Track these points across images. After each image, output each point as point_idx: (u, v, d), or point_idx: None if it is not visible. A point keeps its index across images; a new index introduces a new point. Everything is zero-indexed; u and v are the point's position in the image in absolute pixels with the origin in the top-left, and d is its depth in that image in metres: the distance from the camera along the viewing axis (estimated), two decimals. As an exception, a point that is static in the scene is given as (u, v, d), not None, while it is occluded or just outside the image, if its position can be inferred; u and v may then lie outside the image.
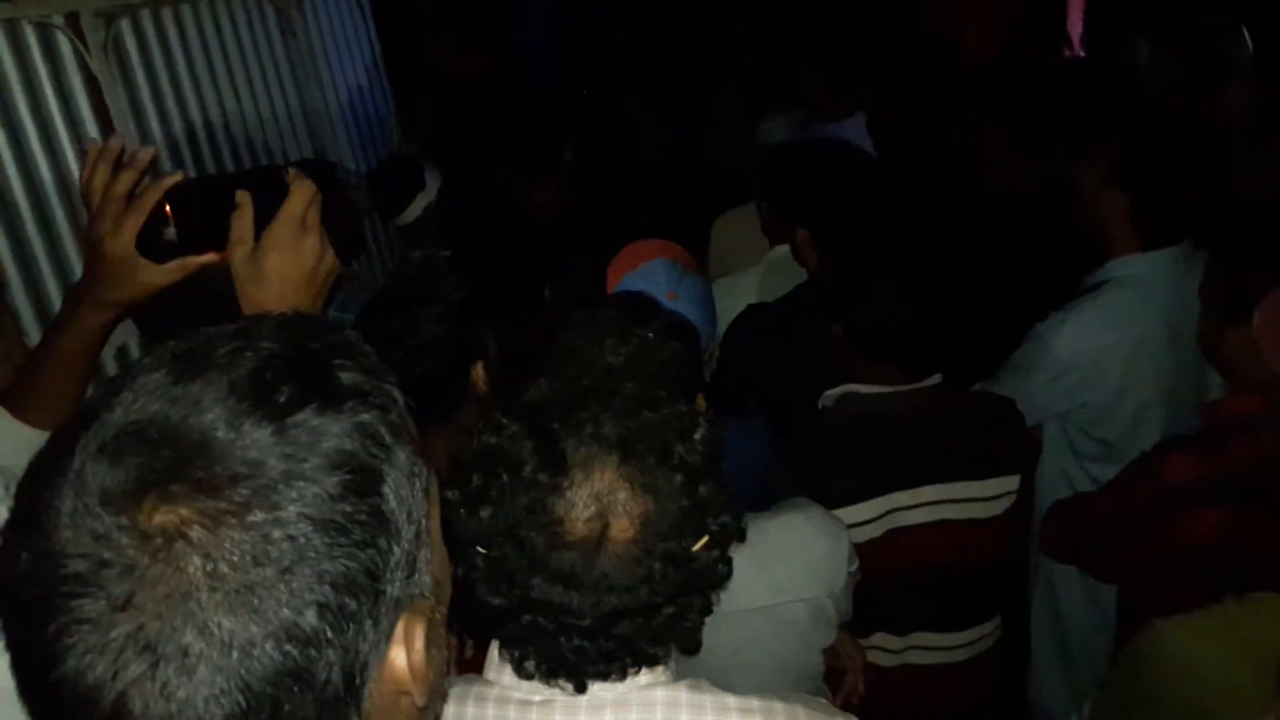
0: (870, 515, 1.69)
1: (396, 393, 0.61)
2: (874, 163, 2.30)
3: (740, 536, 0.97)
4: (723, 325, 2.13)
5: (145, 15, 2.72)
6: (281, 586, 0.52)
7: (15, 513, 0.54)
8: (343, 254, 2.70)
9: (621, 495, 0.89)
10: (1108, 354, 1.97)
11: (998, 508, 1.75)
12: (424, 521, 0.61)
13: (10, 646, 0.53)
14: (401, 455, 0.59)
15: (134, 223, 0.95)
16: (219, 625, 0.50)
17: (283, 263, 0.94)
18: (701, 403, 1.39)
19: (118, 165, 0.99)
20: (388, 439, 0.58)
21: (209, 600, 0.50)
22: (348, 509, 0.54)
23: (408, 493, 0.59)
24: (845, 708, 1.59)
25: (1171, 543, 1.57)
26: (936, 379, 1.75)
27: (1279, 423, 1.50)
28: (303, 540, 0.52)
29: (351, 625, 0.54)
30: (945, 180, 2.86)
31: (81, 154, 1.01)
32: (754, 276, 2.36)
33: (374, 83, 4.01)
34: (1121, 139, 2.01)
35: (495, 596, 0.92)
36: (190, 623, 0.50)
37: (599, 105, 4.06)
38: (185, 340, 0.59)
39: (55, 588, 0.50)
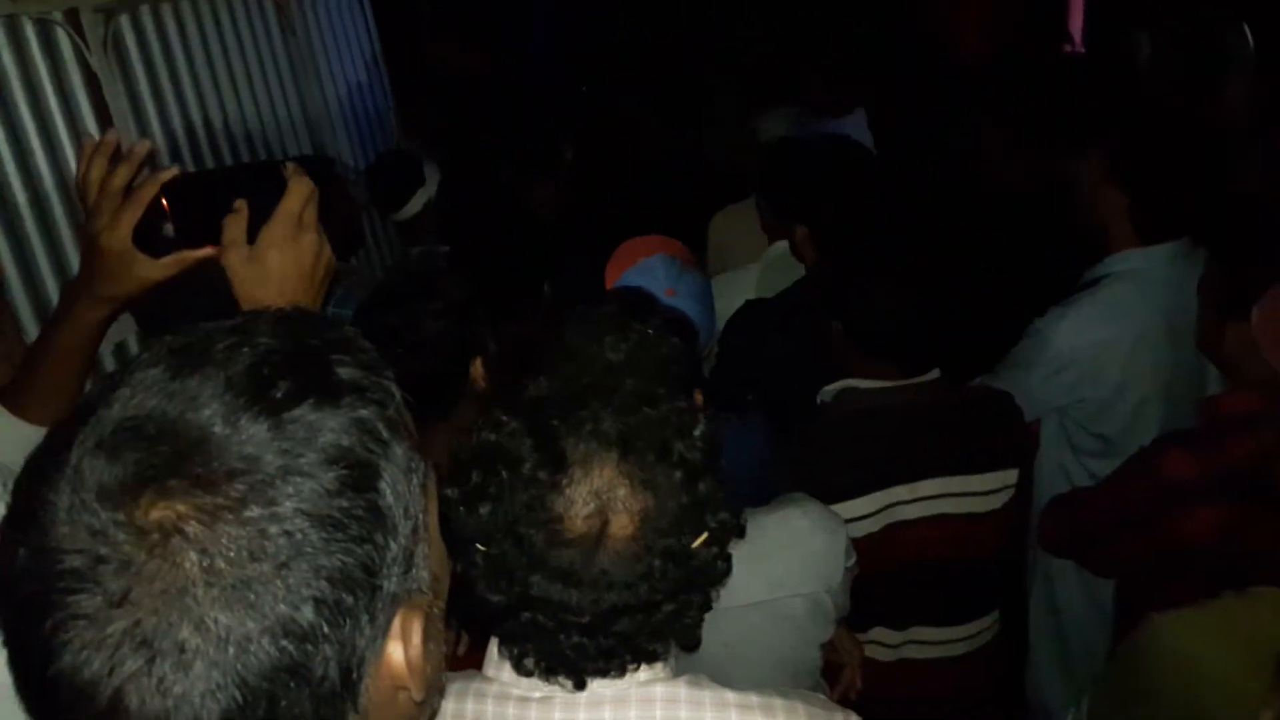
0: (869, 510, 1.69)
1: (394, 388, 0.61)
2: (873, 159, 2.30)
3: (740, 533, 0.97)
4: (722, 321, 2.13)
5: (145, 11, 2.72)
6: (278, 582, 0.52)
7: (13, 508, 0.54)
8: (342, 250, 2.70)
9: (621, 492, 0.89)
10: (1106, 349, 1.97)
11: (996, 502, 1.75)
12: (421, 517, 0.61)
13: (7, 642, 0.53)
14: (399, 451, 0.59)
15: (130, 217, 0.95)
16: (215, 621, 0.50)
17: (282, 260, 0.93)
18: (699, 398, 1.38)
19: (115, 160, 0.98)
20: (385, 434, 0.58)
21: (205, 596, 0.50)
22: (344, 504, 0.54)
23: (405, 488, 0.59)
24: (843, 702, 1.59)
25: (1169, 539, 1.57)
26: (934, 374, 1.75)
27: (1278, 420, 1.50)
28: (299, 536, 0.52)
29: (348, 620, 0.54)
30: (945, 178, 2.86)
31: (80, 150, 1.01)
32: (753, 273, 2.36)
33: (373, 79, 4.01)
34: (1121, 135, 2.01)
35: (494, 594, 0.92)
36: (187, 618, 0.50)
37: (599, 104, 4.06)
38: (183, 336, 0.59)
39: (52, 583, 0.51)
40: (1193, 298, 1.78)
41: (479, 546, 0.91)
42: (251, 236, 0.94)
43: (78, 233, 2.33)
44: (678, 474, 0.91)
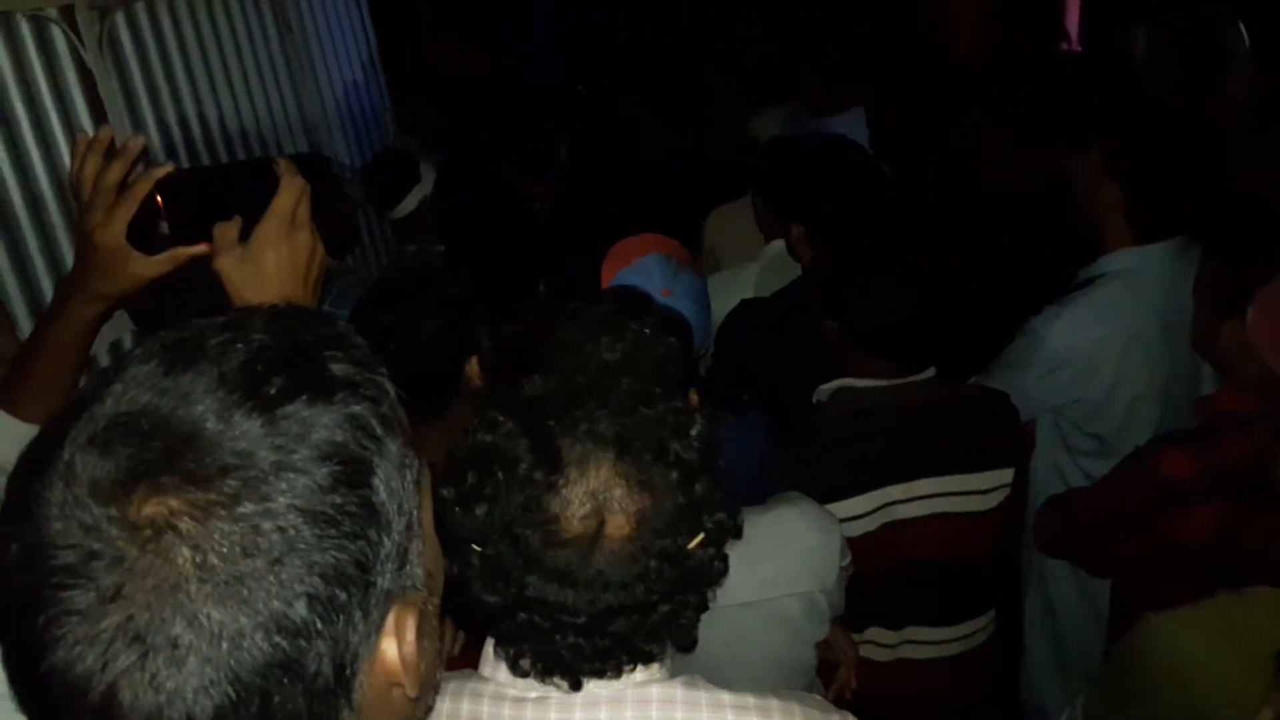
0: (865, 509, 1.69)
1: (388, 384, 0.61)
2: (869, 158, 2.29)
3: (736, 534, 0.97)
4: (718, 320, 2.13)
5: (140, 9, 2.71)
6: (271, 578, 0.52)
7: (6, 504, 0.54)
8: (337, 248, 2.71)
9: (617, 493, 0.89)
10: (1101, 348, 1.97)
11: (992, 501, 1.75)
12: (415, 513, 0.61)
13: (1, 637, 0.53)
14: (392, 447, 0.59)
15: (125, 213, 0.94)
16: (208, 616, 0.50)
17: (276, 259, 0.93)
18: (694, 397, 1.38)
19: (109, 156, 0.98)
20: (379, 431, 0.58)
21: (198, 591, 0.50)
22: (338, 500, 0.54)
23: (398, 484, 0.59)
24: (838, 702, 1.59)
25: (1166, 538, 1.57)
26: (930, 373, 1.75)
27: (1273, 418, 1.50)
28: (292, 532, 0.52)
29: (341, 616, 0.54)
30: (943, 177, 2.86)
31: (75, 147, 1.00)
32: (751, 272, 2.36)
33: (369, 77, 4.01)
34: (1117, 131, 2.01)
35: (490, 594, 0.92)
36: (179, 614, 0.50)
37: (598, 104, 4.06)
38: (176, 332, 0.59)
39: (45, 579, 0.51)
40: (1188, 297, 1.78)
41: (475, 547, 0.91)
42: (245, 235, 0.94)
43: (72, 229, 2.33)
44: (674, 474, 0.91)
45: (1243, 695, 1.07)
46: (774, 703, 0.95)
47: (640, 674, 0.94)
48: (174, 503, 0.51)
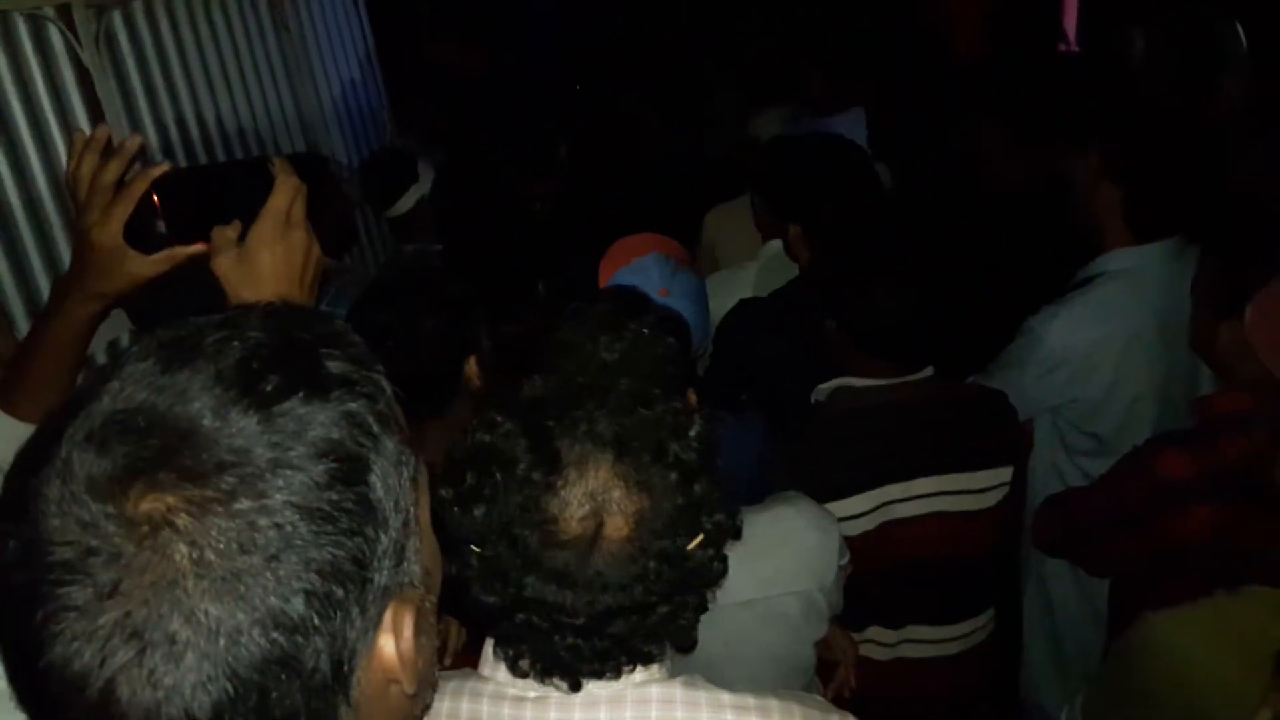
0: (864, 508, 1.69)
1: (384, 382, 0.61)
2: (867, 158, 2.29)
3: (736, 534, 0.97)
4: (717, 319, 2.12)
5: (137, 7, 2.70)
6: (268, 574, 0.52)
7: (3, 501, 0.54)
8: (335, 247, 2.71)
9: (616, 494, 0.89)
10: (1099, 348, 1.97)
11: (991, 499, 1.75)
12: (412, 510, 0.61)
13: None
14: (389, 444, 0.59)
15: (121, 213, 0.94)
16: (206, 612, 0.51)
17: (272, 259, 0.93)
18: (692, 397, 1.38)
19: (106, 155, 0.98)
20: (375, 428, 0.58)
21: (196, 587, 0.51)
22: (334, 497, 0.54)
23: (395, 481, 0.59)
24: (837, 700, 1.59)
25: (1164, 538, 1.58)
26: (929, 372, 1.75)
27: (1272, 419, 1.51)
28: (289, 528, 0.52)
29: (339, 613, 0.54)
30: (942, 176, 2.86)
31: (71, 146, 1.00)
32: (750, 272, 2.36)
33: (367, 76, 4.00)
34: (1115, 133, 2.01)
35: (489, 595, 0.92)
36: (177, 610, 0.50)
37: (598, 102, 4.06)
38: (173, 329, 0.59)
39: (42, 575, 0.51)
40: (1186, 297, 1.78)
41: (474, 548, 0.91)
42: (241, 235, 0.93)
43: (69, 228, 2.32)
44: (673, 475, 0.90)
45: (1240, 694, 1.08)
46: (774, 703, 0.95)
47: (640, 674, 0.94)
48: (171, 499, 0.51)
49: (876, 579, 1.69)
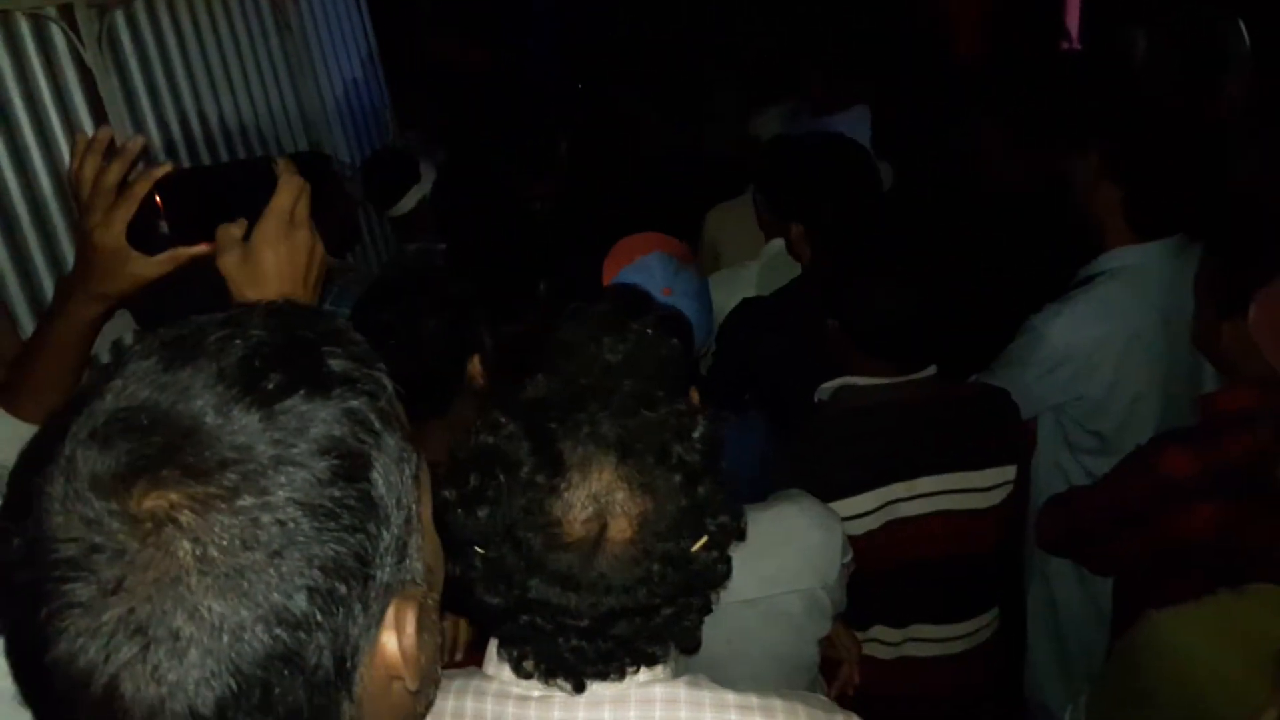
0: (869, 507, 1.69)
1: (386, 380, 0.62)
2: (869, 157, 2.29)
3: (740, 536, 0.97)
4: (719, 318, 2.12)
5: (139, 7, 2.71)
6: (271, 570, 0.52)
7: (8, 499, 0.55)
8: (337, 246, 2.71)
9: (619, 496, 0.89)
10: (1101, 346, 1.97)
11: (995, 498, 1.75)
12: (414, 508, 0.61)
13: (4, 631, 0.54)
14: (391, 441, 0.59)
15: (124, 214, 0.94)
16: (209, 609, 0.51)
17: (276, 258, 0.93)
18: (694, 396, 1.38)
19: (109, 156, 0.98)
20: (377, 425, 0.58)
21: (199, 584, 0.51)
22: (336, 494, 0.55)
23: (397, 478, 0.59)
24: (841, 698, 1.59)
25: (1167, 537, 1.57)
26: (931, 371, 1.75)
27: (1275, 417, 1.50)
28: (292, 525, 0.53)
29: (341, 609, 0.54)
30: (944, 176, 2.86)
31: (74, 146, 1.00)
32: (752, 271, 2.36)
33: (369, 74, 4.01)
34: (1116, 133, 2.01)
35: (493, 596, 0.92)
36: (180, 606, 0.50)
37: (598, 100, 4.06)
38: (175, 328, 0.59)
39: (47, 572, 0.51)
40: (1188, 294, 1.78)
41: (477, 549, 0.91)
42: (245, 234, 0.94)
43: (73, 229, 2.33)
44: (677, 477, 0.90)
45: (1244, 693, 1.07)
46: (778, 703, 0.95)
47: (644, 674, 0.94)
48: (174, 496, 0.51)
49: (881, 578, 1.69)
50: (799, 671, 1.47)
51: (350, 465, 0.56)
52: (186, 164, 2.78)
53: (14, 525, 0.53)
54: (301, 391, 0.56)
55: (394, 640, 0.59)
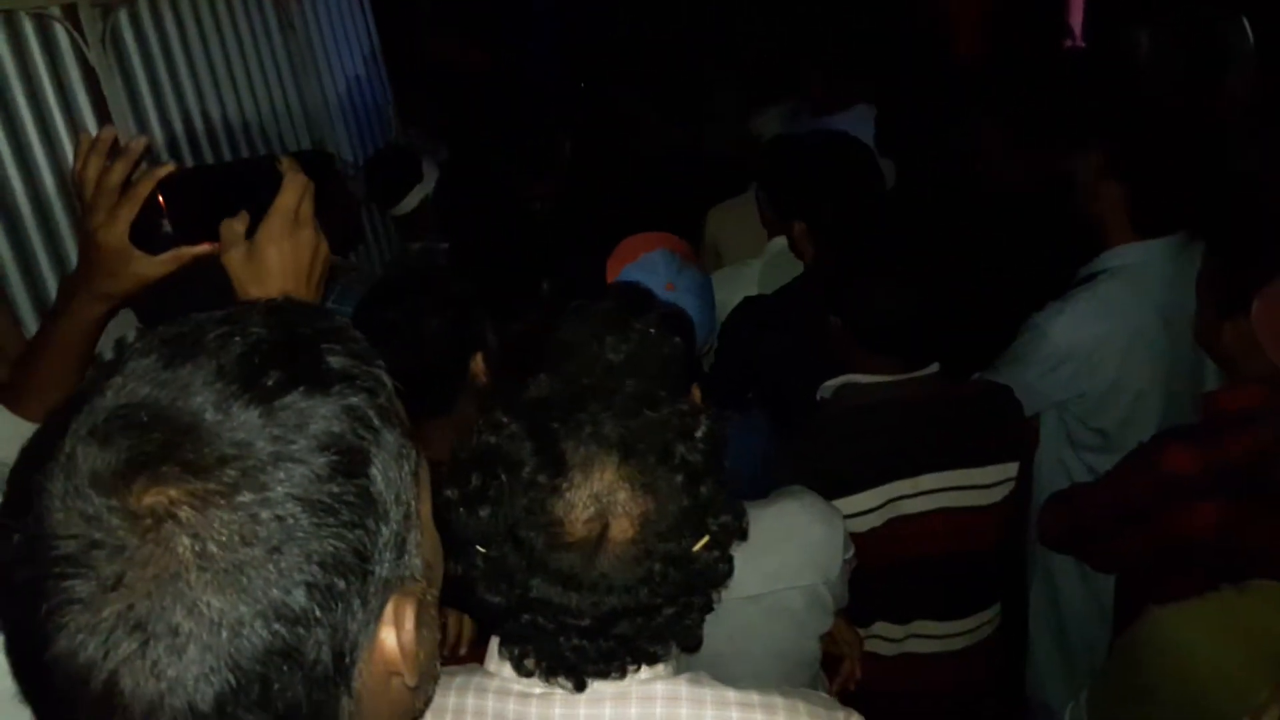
0: (872, 505, 1.70)
1: (385, 377, 0.62)
2: (871, 155, 2.29)
3: (742, 535, 0.97)
4: (722, 317, 2.13)
5: (143, 7, 2.71)
6: (270, 566, 0.52)
7: (8, 496, 0.55)
8: (340, 245, 2.72)
9: (621, 496, 0.89)
10: (1104, 344, 1.97)
11: (997, 495, 1.75)
12: (413, 504, 0.62)
13: (4, 627, 0.54)
14: (390, 438, 0.60)
15: (127, 214, 0.94)
16: (208, 604, 0.51)
17: (280, 257, 0.93)
18: (696, 393, 1.38)
19: (112, 156, 0.98)
20: (376, 421, 0.59)
21: (198, 580, 0.51)
22: (335, 489, 0.55)
23: (396, 475, 0.59)
24: (843, 694, 1.59)
25: (1169, 534, 1.57)
26: (934, 368, 1.75)
27: (1277, 416, 1.50)
28: (291, 520, 0.53)
29: (340, 604, 0.55)
30: (946, 175, 2.85)
31: (78, 146, 1.01)
32: (754, 269, 2.36)
33: (372, 73, 4.01)
34: (1118, 131, 2.01)
35: (494, 595, 0.92)
36: (180, 602, 0.51)
37: (599, 100, 4.06)
38: (175, 326, 0.60)
39: (47, 569, 0.51)
40: (1190, 292, 1.78)
41: (479, 548, 0.91)
42: (250, 233, 0.94)
43: (76, 228, 2.33)
44: (679, 477, 0.90)
45: (1245, 688, 1.08)
46: (778, 700, 0.95)
47: (645, 672, 0.94)
48: (173, 492, 0.52)
49: (883, 575, 1.69)
50: (801, 667, 1.47)
51: (349, 461, 0.56)
52: (189, 163, 2.78)
53: (14, 522, 0.53)
54: (301, 388, 0.56)
55: (393, 636, 0.59)
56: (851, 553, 1.49)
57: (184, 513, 0.51)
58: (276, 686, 0.52)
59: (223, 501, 0.52)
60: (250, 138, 3.14)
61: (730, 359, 2.14)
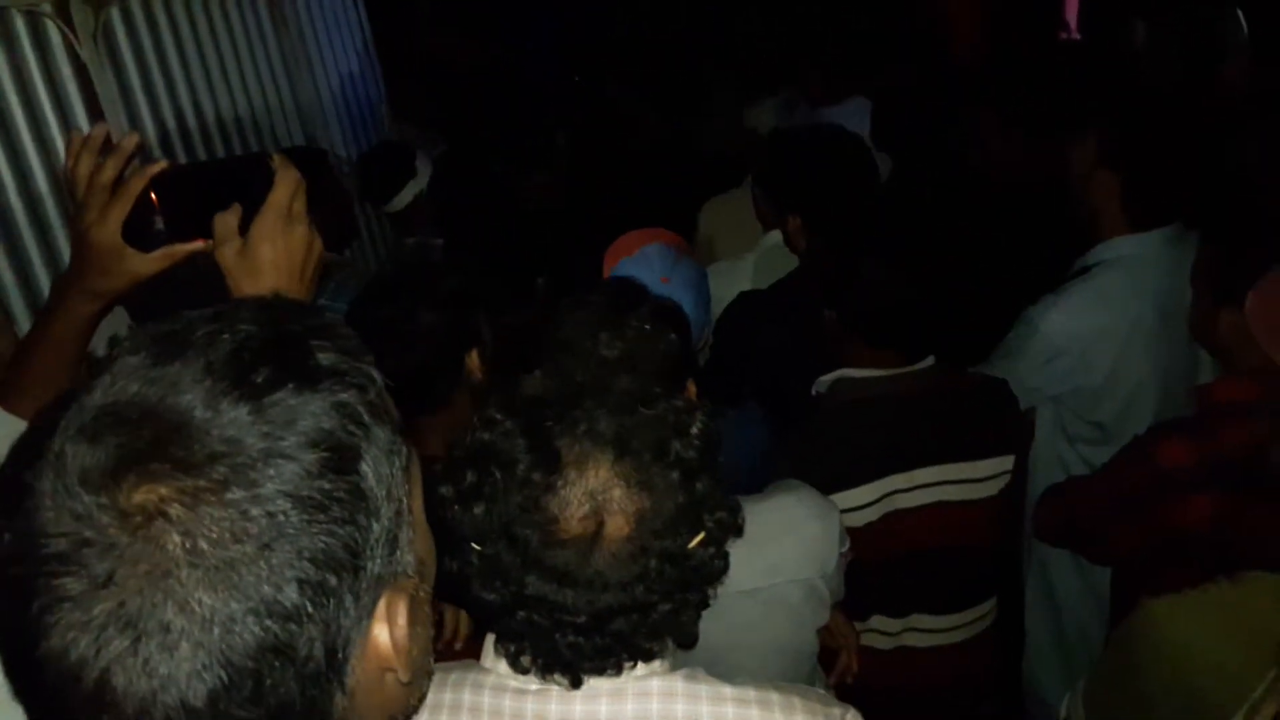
0: (868, 499, 1.70)
1: (375, 373, 0.62)
2: (866, 149, 2.29)
3: (738, 532, 0.97)
4: (717, 311, 2.13)
5: (135, 3, 2.70)
6: (261, 563, 0.52)
7: None
8: (335, 241, 2.71)
9: (616, 493, 0.89)
10: (1099, 336, 1.97)
11: (993, 488, 1.75)
12: (405, 500, 0.62)
13: None
14: (380, 434, 0.59)
15: (119, 211, 0.94)
16: (199, 601, 0.51)
17: (273, 253, 0.94)
18: (691, 388, 1.38)
19: (104, 153, 0.98)
20: (366, 418, 0.59)
21: (189, 577, 0.51)
22: (326, 486, 0.55)
23: (387, 470, 0.59)
24: (839, 687, 1.60)
25: (1164, 527, 1.57)
26: (930, 362, 1.75)
27: (1272, 408, 1.51)
28: (281, 517, 0.53)
29: (332, 600, 0.55)
30: (942, 168, 2.85)
31: (70, 143, 1.00)
32: (748, 262, 2.36)
33: (365, 69, 4.00)
34: (1113, 120, 2.01)
35: (489, 593, 0.92)
36: (171, 599, 0.51)
37: (596, 98, 4.06)
38: (164, 323, 0.59)
39: (37, 567, 0.51)
40: (1185, 284, 1.78)
41: (474, 546, 0.91)
42: (243, 229, 0.94)
43: (69, 226, 2.32)
44: (674, 474, 0.90)
45: (1240, 679, 1.08)
46: (774, 696, 0.95)
47: (641, 669, 0.94)
48: (163, 490, 0.52)
49: (880, 569, 1.70)
50: (798, 661, 1.47)
51: (339, 457, 0.56)
52: (182, 160, 2.77)
53: (4, 521, 0.53)
54: (290, 385, 0.56)
55: (385, 632, 0.59)
56: (847, 546, 1.50)
57: (174, 510, 0.51)
58: (269, 683, 0.52)
59: (213, 498, 0.52)
60: (243, 134, 3.13)
61: (726, 354, 2.14)
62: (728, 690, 0.94)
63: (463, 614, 1.39)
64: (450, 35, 4.52)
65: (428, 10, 4.72)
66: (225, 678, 0.51)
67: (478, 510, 0.90)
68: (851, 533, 1.54)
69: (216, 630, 0.51)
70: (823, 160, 2.17)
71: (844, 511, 1.55)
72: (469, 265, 2.50)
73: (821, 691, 1.04)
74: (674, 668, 0.96)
